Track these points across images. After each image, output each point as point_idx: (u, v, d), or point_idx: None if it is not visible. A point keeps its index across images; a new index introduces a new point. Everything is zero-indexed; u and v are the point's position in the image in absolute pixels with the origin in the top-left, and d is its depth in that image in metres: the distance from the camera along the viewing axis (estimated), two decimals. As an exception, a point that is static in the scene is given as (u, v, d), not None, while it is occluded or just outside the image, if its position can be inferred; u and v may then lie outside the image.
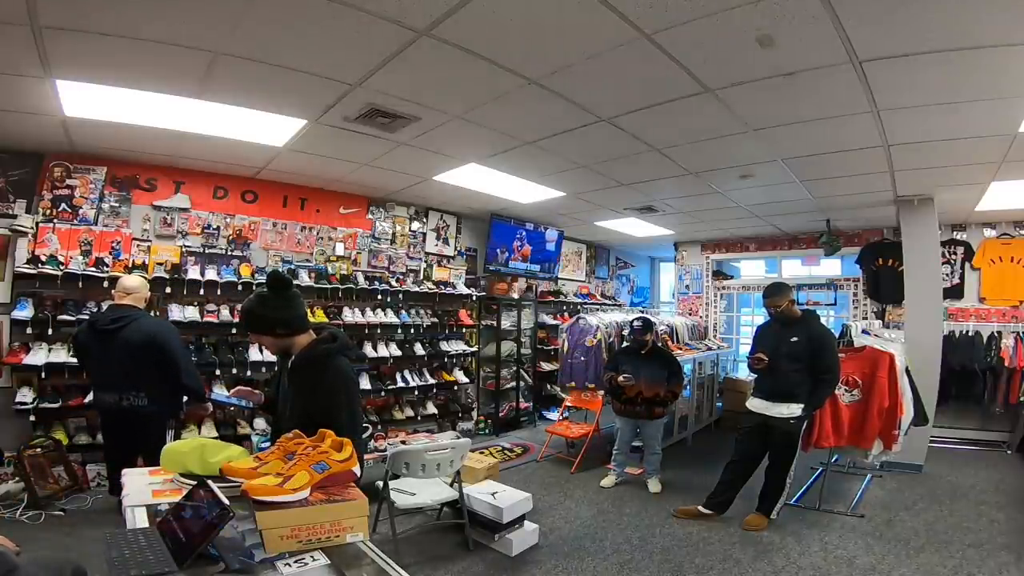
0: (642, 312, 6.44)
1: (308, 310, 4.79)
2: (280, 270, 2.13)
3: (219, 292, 4.35)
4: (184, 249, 4.42)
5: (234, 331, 4.39)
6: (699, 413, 6.22)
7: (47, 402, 3.61)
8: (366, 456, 4.01)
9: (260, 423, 4.47)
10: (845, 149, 3.72)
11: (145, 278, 3.90)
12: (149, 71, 2.71)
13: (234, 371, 4.31)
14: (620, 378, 4.26)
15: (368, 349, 5.19)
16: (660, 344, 5.38)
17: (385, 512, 3.04)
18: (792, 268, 7.82)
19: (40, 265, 3.66)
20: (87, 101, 3.05)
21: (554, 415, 6.42)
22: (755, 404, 3.63)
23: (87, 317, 3.52)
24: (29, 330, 3.63)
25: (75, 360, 3.50)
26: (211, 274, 4.33)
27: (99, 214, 4.11)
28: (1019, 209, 5.32)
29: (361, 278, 5.33)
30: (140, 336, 3.11)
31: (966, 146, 3.55)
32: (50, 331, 3.65)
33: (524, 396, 6.72)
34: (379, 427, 5.22)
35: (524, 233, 6.70)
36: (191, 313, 4.17)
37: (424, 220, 6.09)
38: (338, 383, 1.93)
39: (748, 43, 2.33)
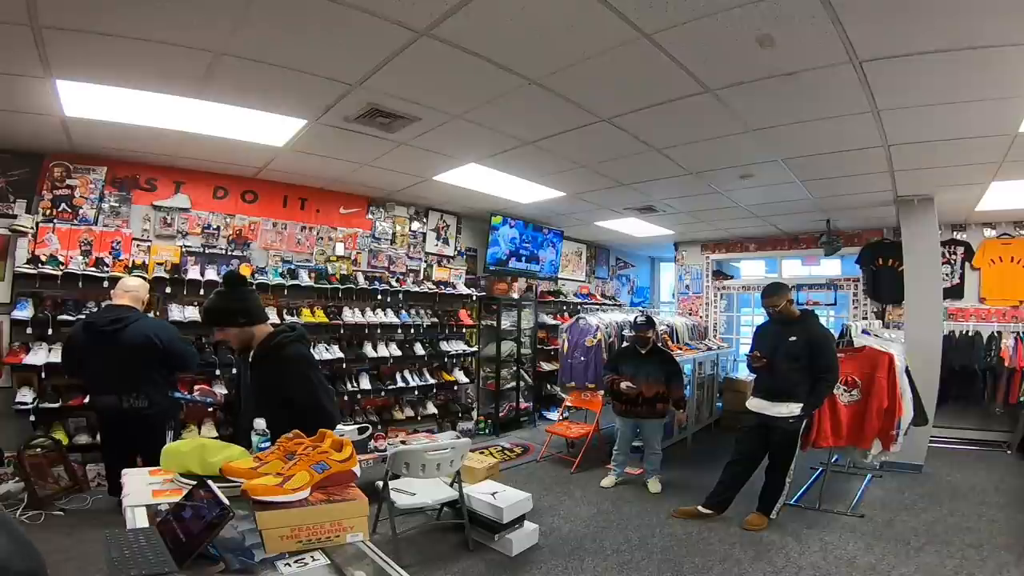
0: (644, 311, 6.45)
1: (309, 309, 4.85)
2: (234, 270, 2.25)
3: (219, 292, 4.34)
4: (184, 249, 4.42)
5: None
6: (699, 413, 6.22)
7: (47, 402, 3.60)
8: (365, 456, 4.03)
9: (260, 423, 4.46)
10: (845, 149, 3.72)
11: (145, 278, 3.91)
12: (149, 71, 2.71)
13: (234, 371, 4.29)
14: (623, 385, 4.27)
15: (368, 349, 5.19)
16: (661, 344, 5.38)
17: (385, 512, 3.04)
18: (792, 268, 7.83)
19: (40, 265, 3.66)
20: (87, 101, 3.05)
21: (554, 415, 6.42)
22: (755, 404, 3.63)
23: (83, 317, 3.53)
24: (29, 330, 3.63)
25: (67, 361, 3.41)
26: (211, 274, 4.33)
27: (99, 214, 4.11)
28: (1019, 209, 5.32)
29: (361, 278, 5.33)
30: (142, 337, 3.13)
31: (966, 146, 3.54)
32: (50, 331, 3.65)
33: (524, 396, 6.72)
34: (379, 427, 5.22)
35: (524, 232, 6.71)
36: (191, 313, 4.17)
37: (424, 220, 6.09)
38: (303, 367, 2.11)
39: (748, 43, 2.33)
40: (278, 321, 4.47)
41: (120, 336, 3.09)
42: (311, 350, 2.24)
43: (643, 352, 4.42)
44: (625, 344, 5.20)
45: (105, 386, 3.15)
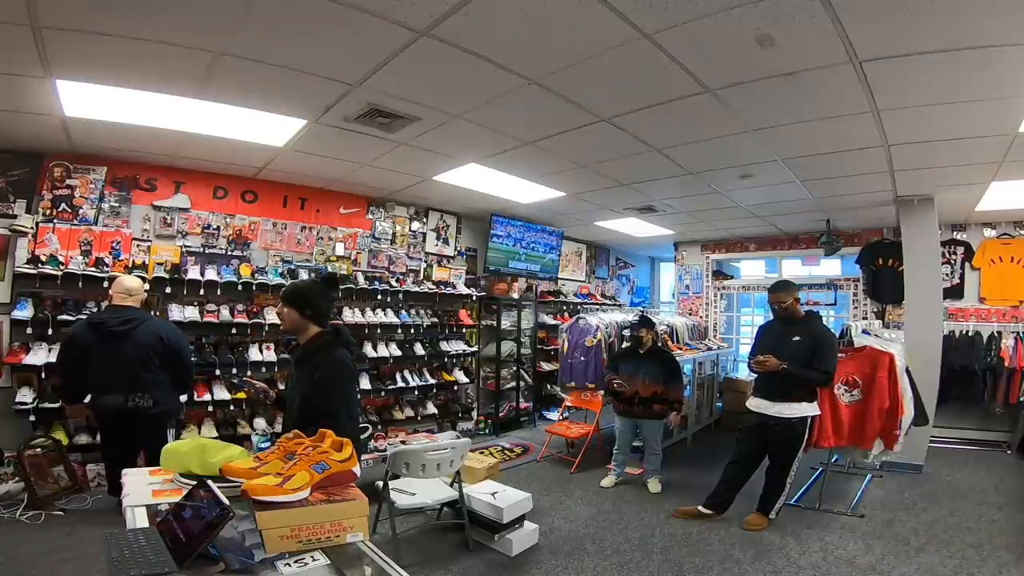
0: (643, 312, 6.45)
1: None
2: (336, 272, 2.40)
3: (219, 292, 4.34)
4: (184, 249, 4.42)
5: (234, 331, 4.40)
6: (699, 413, 6.22)
7: (47, 402, 3.60)
8: (366, 456, 4.04)
9: (260, 423, 4.47)
10: (845, 149, 3.72)
11: (145, 278, 3.93)
12: (149, 71, 2.71)
13: (234, 371, 4.31)
14: (615, 383, 4.29)
15: (368, 349, 5.19)
16: (661, 344, 5.38)
17: (385, 512, 3.04)
18: (792, 268, 7.82)
19: (40, 265, 3.66)
20: (87, 101, 3.05)
21: (554, 415, 6.42)
22: (755, 404, 3.62)
23: (86, 317, 3.52)
24: (29, 330, 3.63)
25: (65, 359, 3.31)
26: (211, 274, 4.33)
27: (99, 214, 4.11)
28: (1019, 209, 5.31)
29: (361, 278, 5.33)
30: (152, 338, 3.18)
31: (966, 146, 3.54)
32: (50, 331, 3.65)
33: (524, 396, 6.72)
34: (379, 427, 5.22)
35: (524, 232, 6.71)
36: (191, 313, 4.17)
37: (424, 220, 6.08)
38: (333, 371, 2.12)
39: (748, 43, 2.33)
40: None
41: (131, 336, 3.13)
42: (351, 358, 2.24)
43: (642, 352, 4.43)
44: (626, 344, 5.21)
45: (111, 386, 3.14)
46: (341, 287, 5.03)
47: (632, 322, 4.54)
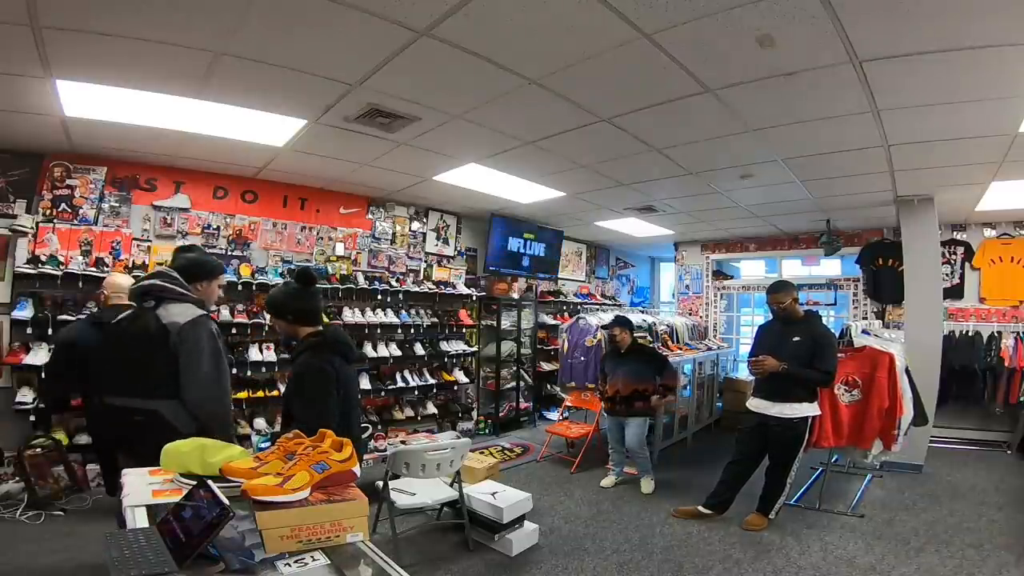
0: (642, 311, 6.46)
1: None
2: (308, 269, 2.39)
3: (219, 292, 4.34)
4: (184, 249, 4.42)
5: (234, 331, 4.40)
6: (699, 413, 6.22)
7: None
8: (366, 456, 4.03)
9: (260, 423, 4.47)
10: (845, 149, 3.72)
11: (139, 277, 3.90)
12: (149, 71, 2.71)
13: (234, 371, 4.31)
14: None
15: (368, 349, 5.19)
16: (655, 344, 5.39)
17: (385, 512, 3.04)
18: (792, 268, 7.82)
19: (40, 265, 3.66)
20: (87, 101, 3.05)
21: (554, 415, 6.42)
22: (755, 404, 3.62)
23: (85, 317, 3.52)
24: (29, 330, 3.62)
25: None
26: (211, 274, 4.32)
27: (99, 214, 4.11)
28: (1019, 209, 5.31)
29: (361, 278, 5.33)
30: None
31: (966, 146, 3.54)
32: (50, 331, 3.64)
33: (524, 396, 6.72)
34: (379, 427, 5.23)
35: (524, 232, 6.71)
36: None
37: (424, 220, 6.08)
38: (306, 378, 2.12)
39: (748, 43, 2.33)
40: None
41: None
42: (331, 363, 2.15)
43: (622, 352, 4.46)
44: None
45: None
46: (342, 287, 5.05)
47: (607, 323, 4.57)
